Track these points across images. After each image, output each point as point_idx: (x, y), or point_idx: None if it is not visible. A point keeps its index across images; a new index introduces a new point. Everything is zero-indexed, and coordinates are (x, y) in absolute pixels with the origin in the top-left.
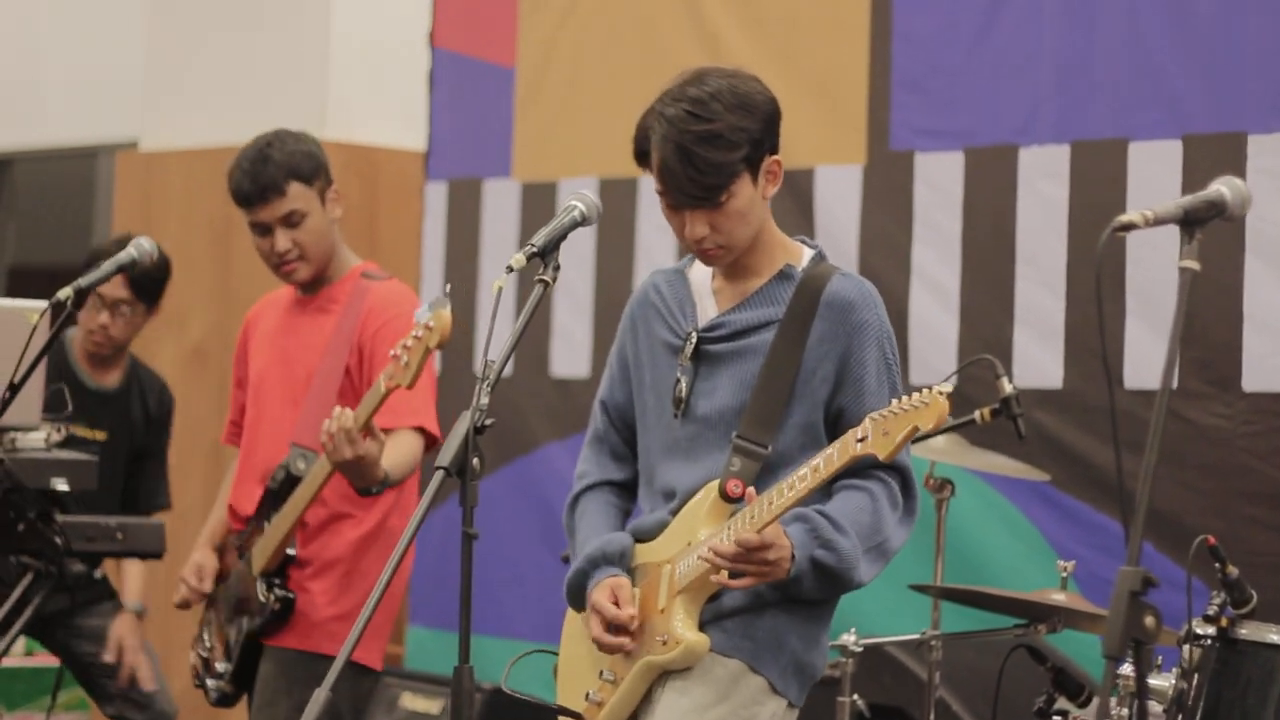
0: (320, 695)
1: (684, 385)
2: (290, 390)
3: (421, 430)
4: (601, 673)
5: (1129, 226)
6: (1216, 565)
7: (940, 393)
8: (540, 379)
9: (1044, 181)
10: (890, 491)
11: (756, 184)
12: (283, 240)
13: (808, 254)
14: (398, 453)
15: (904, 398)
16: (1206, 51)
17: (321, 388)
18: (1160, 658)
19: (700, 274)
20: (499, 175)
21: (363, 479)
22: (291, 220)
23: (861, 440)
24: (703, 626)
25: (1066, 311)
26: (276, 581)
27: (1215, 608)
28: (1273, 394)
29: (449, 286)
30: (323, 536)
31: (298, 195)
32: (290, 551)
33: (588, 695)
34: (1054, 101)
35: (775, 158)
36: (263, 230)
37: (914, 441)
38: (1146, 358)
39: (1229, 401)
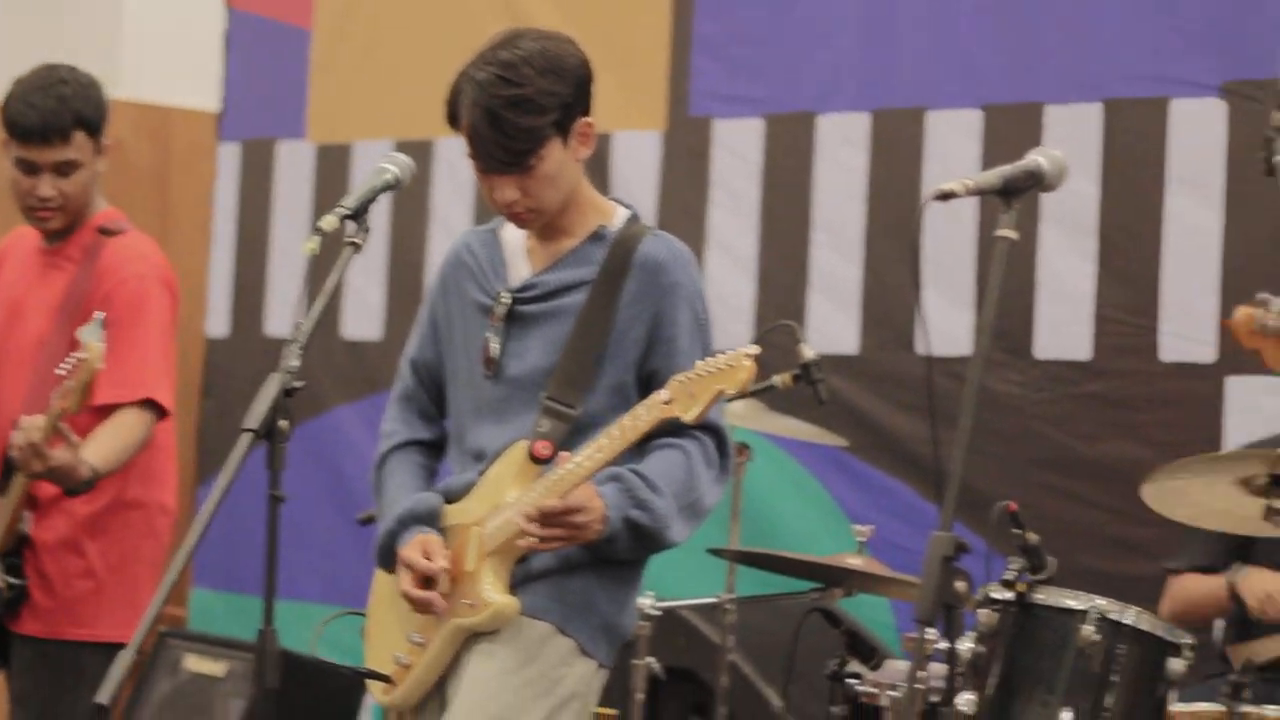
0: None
1: (495, 346)
2: (21, 353)
3: (151, 403)
4: (410, 636)
5: (949, 195)
6: (1016, 531)
7: (746, 355)
8: (331, 341)
9: (843, 149)
10: (705, 450)
11: (567, 147)
12: (47, 186)
13: (621, 215)
14: (111, 441)
15: (708, 360)
16: (1006, 22)
17: (49, 358)
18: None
19: (513, 234)
20: (293, 137)
21: (64, 483)
22: (65, 169)
23: (667, 403)
24: (512, 589)
25: (863, 278)
26: (11, 564)
27: (1013, 573)
28: (1065, 361)
29: (101, 315)
30: (53, 515)
31: (81, 145)
32: (23, 530)
33: (396, 658)
34: (854, 70)
35: (587, 120)
36: (29, 169)
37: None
38: (942, 325)
39: (1023, 369)
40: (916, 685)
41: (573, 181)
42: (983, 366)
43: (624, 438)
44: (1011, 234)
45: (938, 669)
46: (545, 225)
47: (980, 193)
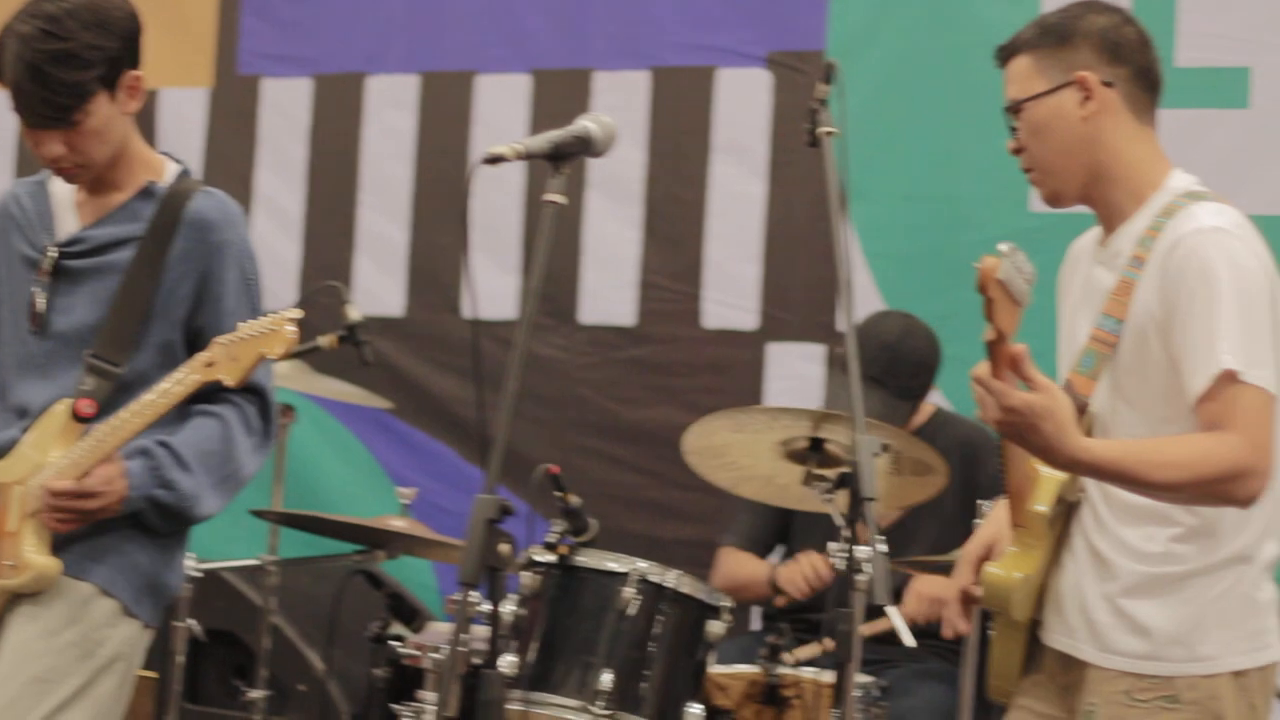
0: None
1: (41, 301)
2: None
3: None
4: None
5: (498, 159)
6: (558, 494)
7: (287, 318)
8: None
9: (391, 111)
10: (244, 416)
11: (115, 101)
12: None
13: (172, 170)
14: None
15: (251, 323)
16: None
17: None
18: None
19: (62, 187)
20: None
21: None
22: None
23: (210, 365)
24: (56, 549)
25: (410, 241)
26: None
27: (555, 536)
28: (609, 327)
29: None
30: None
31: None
32: None
33: None
34: (403, 32)
35: (136, 73)
36: None
37: None
38: (488, 289)
39: (567, 334)
40: (459, 648)
41: (121, 136)
42: (529, 331)
43: (166, 400)
44: (559, 199)
45: (481, 631)
46: (94, 179)
47: (529, 157)
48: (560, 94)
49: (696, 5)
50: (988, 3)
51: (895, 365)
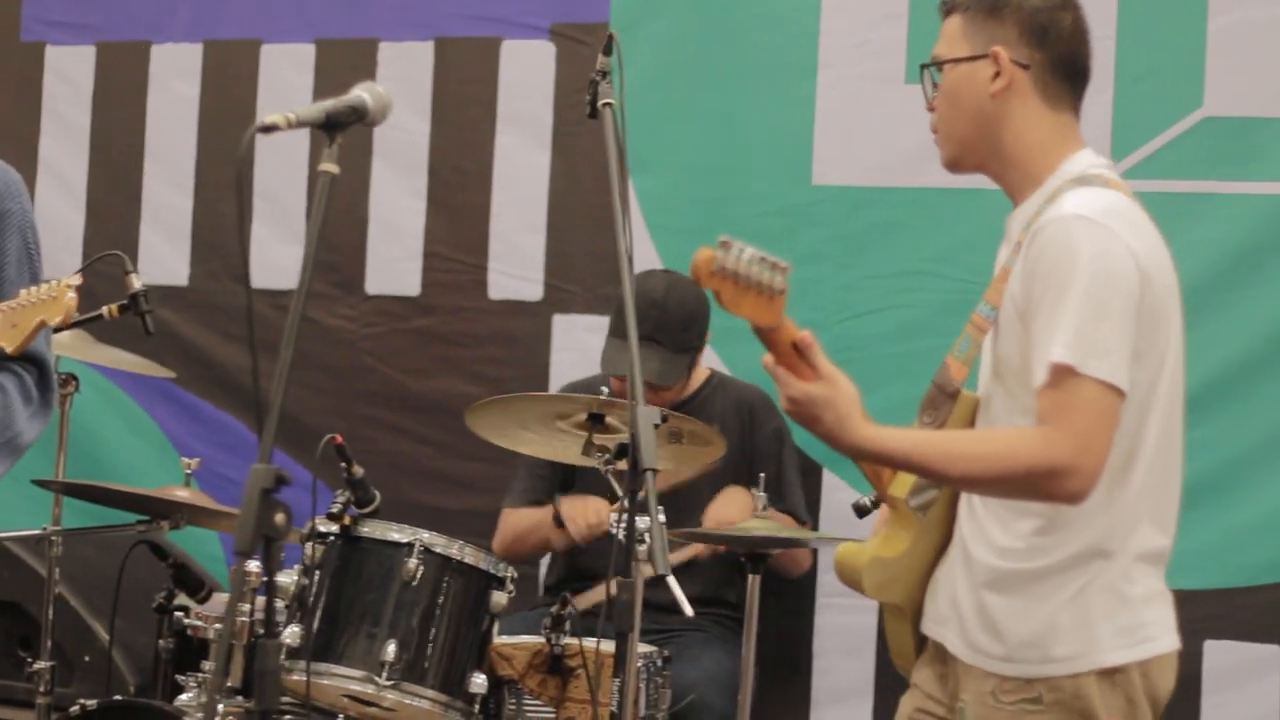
0: None
1: None
2: None
3: None
4: None
5: (271, 128)
6: (342, 465)
7: (68, 285)
8: None
9: (176, 80)
10: (23, 384)
11: None
12: None
13: None
14: None
15: (30, 289)
16: None
17: None
18: (283, 554)
19: None
20: None
21: None
22: None
23: None
24: None
25: (194, 210)
26: None
27: (339, 506)
28: (393, 296)
29: None
30: None
31: None
32: None
33: None
34: (188, 1)
35: None
36: None
37: None
38: (272, 259)
39: (353, 304)
40: (241, 618)
41: None
42: (304, 299)
43: None
44: (333, 168)
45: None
46: None
47: (303, 125)
48: (345, 64)
49: None
50: None
51: (666, 321)
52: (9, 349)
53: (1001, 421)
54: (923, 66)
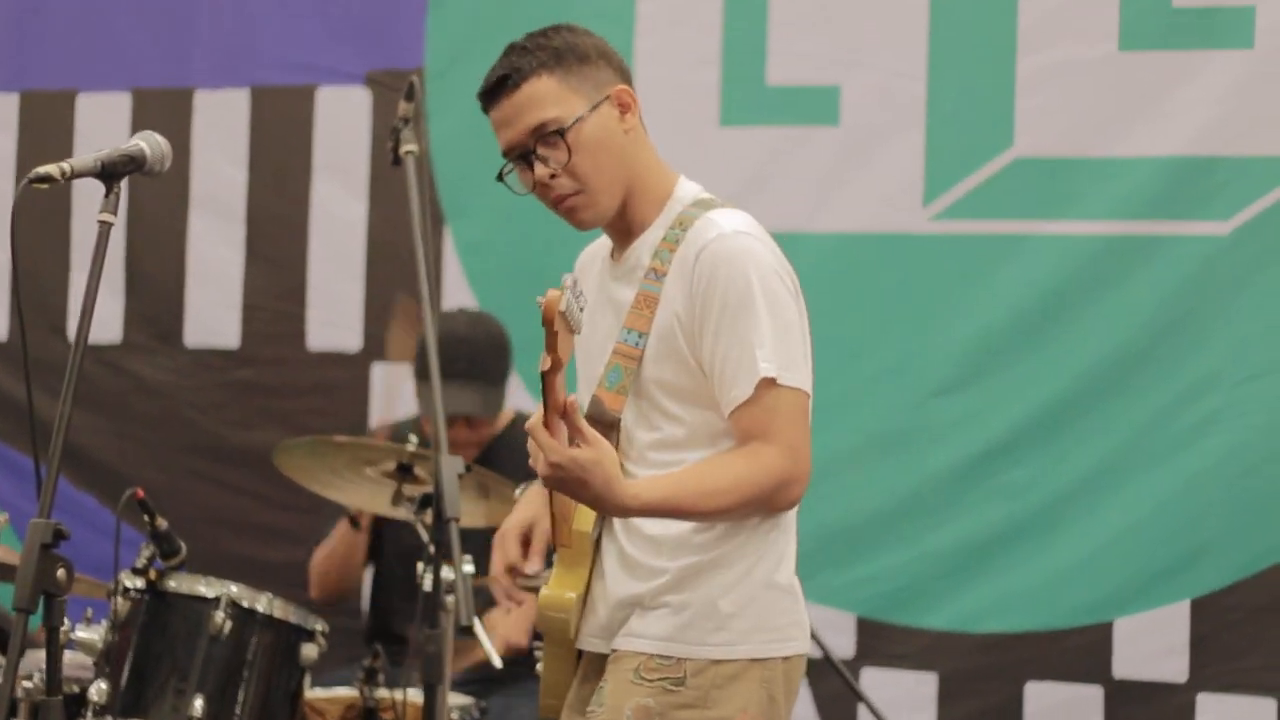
0: None
1: None
2: None
3: None
4: None
5: (46, 179)
6: (146, 518)
7: None
8: None
9: None
10: None
11: None
12: None
13: None
14: None
15: None
16: (156, 5)
17: None
18: (91, 610)
19: None
20: None
21: None
22: None
23: None
24: None
25: (12, 262)
26: None
27: (144, 560)
28: (214, 349)
29: None
30: None
31: None
32: None
33: None
34: (3, 50)
35: None
36: None
37: None
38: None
39: (173, 355)
40: (15, 675)
41: None
42: (82, 350)
43: None
44: (111, 218)
45: (79, 659)
46: None
47: (79, 176)
48: (161, 113)
49: (297, 24)
50: (584, 18)
51: (477, 354)
52: None
53: (635, 438)
54: (532, 147)
